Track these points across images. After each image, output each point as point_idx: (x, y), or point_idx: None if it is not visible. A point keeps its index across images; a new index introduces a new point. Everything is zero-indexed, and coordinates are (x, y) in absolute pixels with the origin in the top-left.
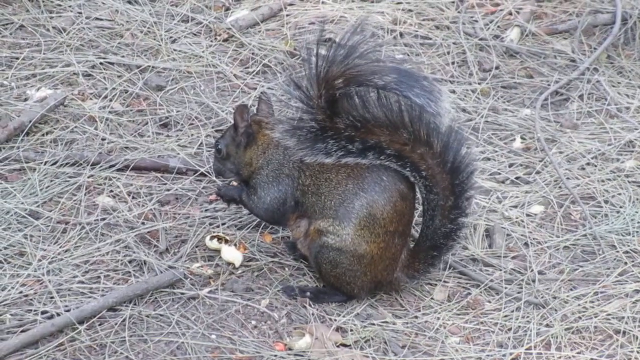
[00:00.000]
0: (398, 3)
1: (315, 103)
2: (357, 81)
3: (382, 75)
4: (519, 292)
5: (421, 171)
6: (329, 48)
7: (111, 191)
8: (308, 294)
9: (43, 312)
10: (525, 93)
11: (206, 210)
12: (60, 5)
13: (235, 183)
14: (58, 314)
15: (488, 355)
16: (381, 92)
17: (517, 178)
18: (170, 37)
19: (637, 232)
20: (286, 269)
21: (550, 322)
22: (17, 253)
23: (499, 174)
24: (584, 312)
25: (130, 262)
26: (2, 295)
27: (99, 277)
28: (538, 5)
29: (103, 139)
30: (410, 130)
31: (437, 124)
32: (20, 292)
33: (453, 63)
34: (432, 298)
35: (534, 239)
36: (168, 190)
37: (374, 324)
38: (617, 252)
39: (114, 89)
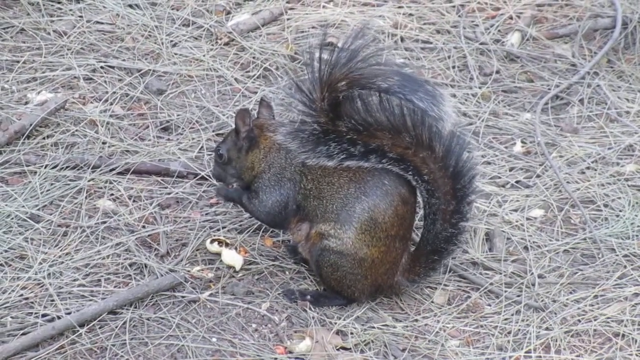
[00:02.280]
0: (399, 7)
1: (318, 106)
2: (360, 84)
3: (386, 78)
4: (518, 296)
5: (423, 175)
6: (332, 51)
7: (112, 195)
8: (308, 297)
9: (44, 315)
10: (526, 97)
11: (207, 214)
12: (61, 9)
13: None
14: (59, 317)
15: (488, 359)
16: (383, 96)
17: (517, 182)
18: (171, 41)
19: (636, 235)
20: (287, 272)
21: (550, 325)
22: (18, 256)
23: (499, 177)
24: (583, 315)
25: (130, 265)
26: (2, 298)
27: (99, 280)
28: (539, 10)
29: (104, 143)
30: (413, 134)
31: (440, 128)
32: (21, 295)
33: (454, 67)
34: (432, 301)
35: (533, 242)
36: (169, 193)
37: (374, 327)
38: (617, 255)
39: (114, 92)
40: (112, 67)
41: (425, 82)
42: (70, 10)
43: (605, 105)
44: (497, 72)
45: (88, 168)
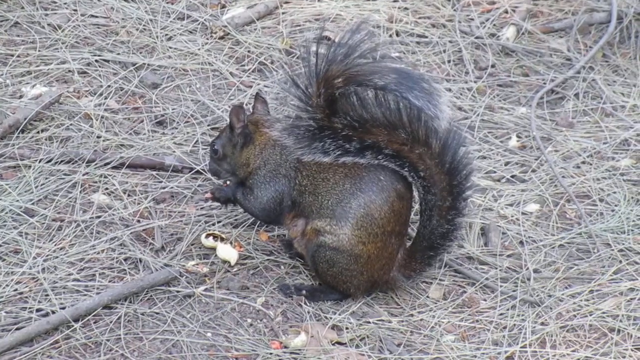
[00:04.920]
0: (394, 1)
1: (314, 102)
2: (357, 81)
3: (382, 75)
4: (514, 291)
5: (419, 171)
6: (329, 47)
7: (106, 189)
8: (304, 292)
9: (38, 310)
10: (521, 91)
11: (202, 208)
12: (55, 2)
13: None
14: (53, 312)
15: (483, 354)
16: (379, 92)
17: (512, 176)
18: (166, 35)
19: (632, 230)
20: (282, 267)
21: (545, 320)
22: (12, 250)
23: (495, 172)
24: (578, 310)
25: (125, 260)
26: None
27: (94, 275)
28: (534, 4)
29: (98, 137)
30: (409, 130)
31: (436, 126)
32: (15, 290)
33: (449, 61)
34: (427, 296)
35: (529, 237)
36: (163, 188)
37: (369, 322)
38: (612, 250)
39: (109, 86)
40: (107, 61)
41: (422, 79)
42: (65, 3)
43: (601, 99)
44: (493, 66)
45: (83, 162)
